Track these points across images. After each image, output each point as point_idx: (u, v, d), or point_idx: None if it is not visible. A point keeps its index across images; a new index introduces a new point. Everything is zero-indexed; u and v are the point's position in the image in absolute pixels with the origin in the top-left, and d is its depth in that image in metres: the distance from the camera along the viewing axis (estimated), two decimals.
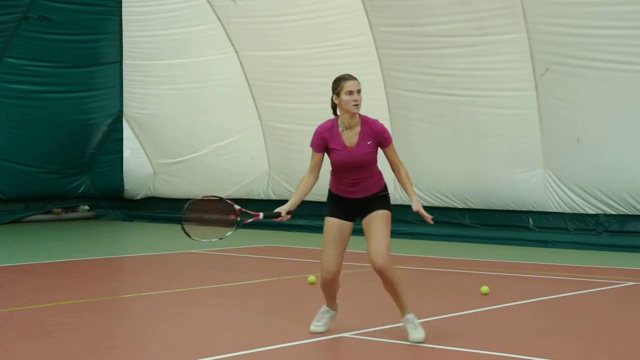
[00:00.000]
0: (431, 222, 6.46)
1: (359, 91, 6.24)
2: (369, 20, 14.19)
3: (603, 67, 12.33)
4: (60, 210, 18.51)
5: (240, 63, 16.25)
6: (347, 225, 6.34)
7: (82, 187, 18.52)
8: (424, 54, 13.90)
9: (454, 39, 13.51)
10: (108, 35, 17.61)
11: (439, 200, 14.61)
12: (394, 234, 15.12)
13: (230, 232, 6.28)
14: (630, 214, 12.86)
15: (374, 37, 14.27)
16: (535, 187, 13.52)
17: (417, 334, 6.21)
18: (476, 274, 10.25)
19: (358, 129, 6.25)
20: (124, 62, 17.88)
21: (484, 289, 8.46)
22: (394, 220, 15.73)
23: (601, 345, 6.38)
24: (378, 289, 9.18)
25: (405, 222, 15.02)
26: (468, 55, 13.48)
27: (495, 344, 6.22)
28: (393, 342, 6.29)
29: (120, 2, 17.33)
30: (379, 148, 6.34)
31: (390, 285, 6.28)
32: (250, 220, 6.23)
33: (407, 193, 6.38)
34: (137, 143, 18.53)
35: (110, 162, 18.61)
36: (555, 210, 13.50)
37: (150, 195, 18.85)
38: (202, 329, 6.76)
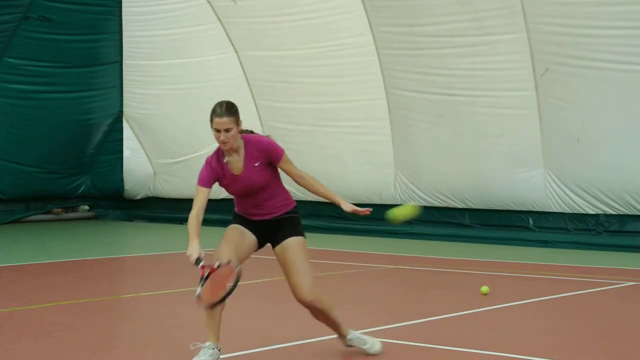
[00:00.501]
0: (368, 212, 5.62)
1: (227, 130, 5.52)
2: (369, 20, 14.18)
3: (603, 67, 12.33)
4: (60, 210, 18.51)
5: (240, 63, 16.25)
6: (251, 238, 5.71)
7: (82, 187, 18.52)
8: (424, 54, 13.90)
9: (454, 39, 13.51)
10: (108, 35, 17.62)
11: (439, 200, 14.61)
12: (394, 233, 15.27)
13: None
14: (630, 214, 12.86)
15: (374, 37, 14.27)
16: (535, 187, 13.51)
17: (372, 347, 5.88)
18: (476, 274, 10.25)
19: (242, 152, 5.60)
20: (124, 62, 17.88)
21: (484, 289, 8.46)
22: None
23: (601, 345, 6.38)
24: (378, 289, 9.20)
25: (405, 222, 15.01)
26: (468, 55, 13.48)
27: (495, 344, 6.22)
28: (393, 342, 6.29)
29: (120, 2, 17.33)
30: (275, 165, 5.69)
31: (323, 316, 5.77)
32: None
33: (328, 198, 5.76)
34: (137, 143, 18.54)
35: (110, 162, 18.61)
36: (555, 210, 13.49)
37: (150, 195, 18.85)
38: (202, 329, 6.75)
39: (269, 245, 5.87)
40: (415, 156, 14.64)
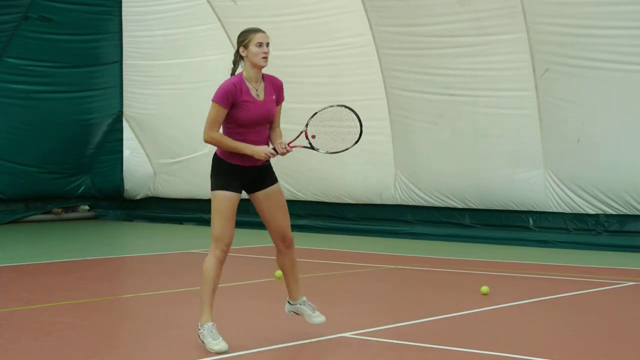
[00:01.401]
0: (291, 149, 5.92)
1: (267, 44, 6.02)
2: (369, 20, 14.18)
3: (603, 67, 12.33)
4: (60, 210, 18.51)
5: None
6: (237, 199, 6.02)
7: (82, 187, 18.52)
8: (424, 54, 13.90)
9: (454, 39, 13.51)
10: (108, 35, 17.61)
11: (439, 200, 14.61)
12: (394, 233, 15.25)
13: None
14: (630, 214, 12.86)
15: (374, 37, 14.27)
16: (535, 187, 13.51)
17: (318, 317, 6.31)
18: (476, 274, 10.25)
19: (262, 84, 6.03)
20: (124, 62, 17.88)
21: (484, 289, 8.47)
22: (394, 220, 15.72)
23: (601, 345, 6.38)
24: (378, 289, 9.20)
25: (405, 222, 15.04)
26: (468, 55, 13.48)
27: (495, 344, 6.22)
28: (393, 342, 6.29)
29: (120, 2, 17.33)
30: None
31: (291, 262, 6.27)
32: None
33: (272, 142, 6.07)
34: (137, 143, 18.53)
35: (110, 162, 18.61)
36: (555, 210, 13.50)
37: (150, 195, 18.85)
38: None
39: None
40: (415, 156, 14.64)
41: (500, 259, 11.74)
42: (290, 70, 15.49)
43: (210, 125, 5.91)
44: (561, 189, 13.31)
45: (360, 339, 6.39)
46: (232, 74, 6.11)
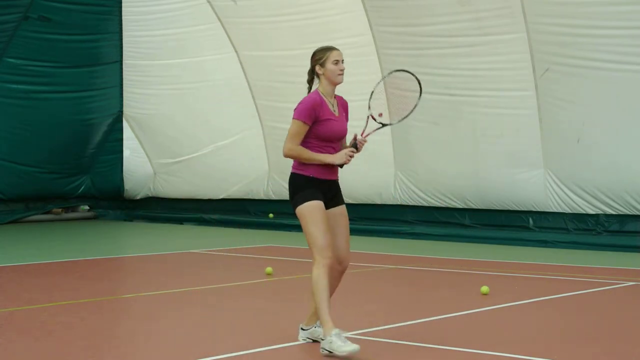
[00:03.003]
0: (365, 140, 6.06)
1: (342, 61, 6.25)
2: (369, 20, 14.19)
3: (603, 67, 12.33)
4: (60, 210, 18.51)
5: (240, 63, 16.25)
6: (324, 206, 5.97)
7: (82, 187, 18.52)
8: (424, 54, 13.90)
9: (454, 39, 13.51)
10: (108, 35, 17.62)
11: (439, 200, 14.61)
12: (394, 233, 15.22)
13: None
14: (630, 214, 12.86)
15: (374, 37, 14.27)
16: (535, 187, 13.52)
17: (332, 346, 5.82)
18: (476, 274, 10.25)
19: (335, 100, 6.22)
20: (124, 62, 17.88)
21: (484, 289, 8.47)
22: (393, 220, 15.68)
23: (601, 345, 6.38)
24: (378, 289, 9.19)
25: (405, 222, 15.04)
26: (468, 55, 13.49)
27: (495, 344, 6.22)
28: (393, 342, 6.29)
29: (120, 2, 17.33)
30: None
31: (335, 284, 6.14)
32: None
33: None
34: (137, 143, 18.54)
35: (110, 162, 18.62)
36: (555, 210, 13.50)
37: (150, 195, 18.85)
38: (202, 329, 6.76)
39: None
40: (415, 156, 14.64)
41: (500, 259, 11.74)
42: (291, 70, 15.51)
43: (291, 139, 5.97)
44: (561, 189, 13.31)
45: (360, 339, 6.39)
46: (309, 91, 6.27)
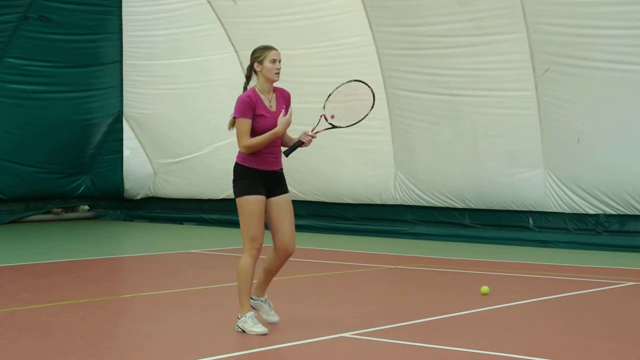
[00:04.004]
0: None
1: (280, 60, 6.58)
2: (369, 20, 14.18)
3: (603, 67, 12.33)
4: (60, 210, 18.50)
5: (240, 63, 16.24)
6: (264, 200, 6.50)
7: (82, 187, 18.51)
8: (424, 54, 13.90)
9: (454, 39, 13.51)
10: (108, 35, 17.60)
11: (439, 200, 14.61)
12: (394, 233, 15.22)
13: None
14: (630, 214, 12.86)
15: (374, 37, 14.27)
16: (535, 187, 13.51)
17: (273, 317, 6.75)
18: (476, 274, 10.25)
19: (273, 95, 6.60)
20: (124, 62, 17.87)
21: (484, 289, 8.47)
22: (394, 220, 15.70)
23: (602, 345, 6.38)
24: (378, 289, 9.19)
25: (405, 222, 15.04)
26: (468, 55, 13.48)
27: (495, 344, 6.22)
28: (393, 342, 6.29)
29: (120, 2, 17.31)
30: None
31: (278, 268, 6.75)
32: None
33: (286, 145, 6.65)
34: (137, 143, 18.53)
35: (110, 162, 18.60)
36: (555, 210, 13.49)
37: (150, 195, 18.85)
38: (201, 329, 6.76)
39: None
40: (415, 156, 14.64)
41: (500, 259, 11.74)
42: (290, 70, 15.46)
43: (241, 137, 6.44)
44: (561, 189, 13.31)
45: (360, 339, 6.39)
46: (245, 88, 6.67)
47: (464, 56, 13.52)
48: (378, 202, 15.38)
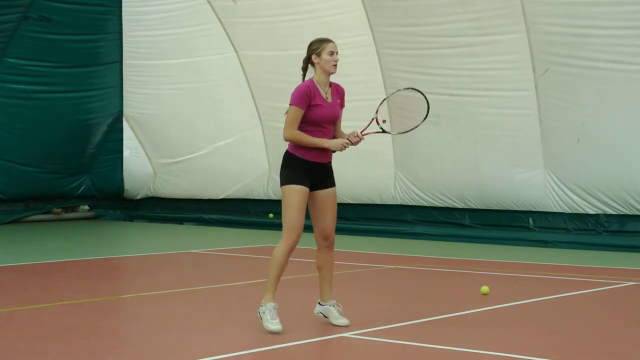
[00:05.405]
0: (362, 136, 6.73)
1: (337, 52, 6.71)
2: (369, 20, 14.18)
3: (603, 67, 12.33)
4: (60, 210, 18.50)
5: (240, 63, 16.25)
6: (307, 192, 6.59)
7: (82, 187, 18.51)
8: (424, 54, 13.90)
9: (454, 39, 13.51)
10: (108, 35, 17.60)
11: (439, 200, 14.61)
12: (394, 233, 15.22)
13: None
14: (630, 214, 12.86)
15: (374, 37, 14.27)
16: (535, 187, 13.52)
17: (342, 321, 6.69)
18: (476, 274, 10.25)
19: (329, 88, 6.70)
20: (124, 62, 17.87)
21: (484, 289, 8.46)
22: (394, 220, 15.69)
23: (601, 345, 6.38)
24: (378, 289, 9.19)
25: (405, 222, 15.04)
26: (468, 55, 13.49)
27: (495, 344, 6.22)
28: (393, 342, 6.29)
29: (120, 2, 17.32)
30: None
31: (332, 260, 6.97)
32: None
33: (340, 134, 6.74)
34: (137, 143, 18.53)
35: (110, 162, 18.61)
36: (555, 210, 13.50)
37: (150, 195, 18.85)
38: (202, 329, 6.76)
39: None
40: (415, 156, 14.64)
41: (500, 259, 11.74)
42: (290, 70, 15.42)
43: (290, 125, 6.48)
44: (561, 189, 13.31)
45: (360, 339, 6.39)
46: (303, 79, 6.73)
47: (464, 56, 13.52)
48: (378, 202, 15.39)
